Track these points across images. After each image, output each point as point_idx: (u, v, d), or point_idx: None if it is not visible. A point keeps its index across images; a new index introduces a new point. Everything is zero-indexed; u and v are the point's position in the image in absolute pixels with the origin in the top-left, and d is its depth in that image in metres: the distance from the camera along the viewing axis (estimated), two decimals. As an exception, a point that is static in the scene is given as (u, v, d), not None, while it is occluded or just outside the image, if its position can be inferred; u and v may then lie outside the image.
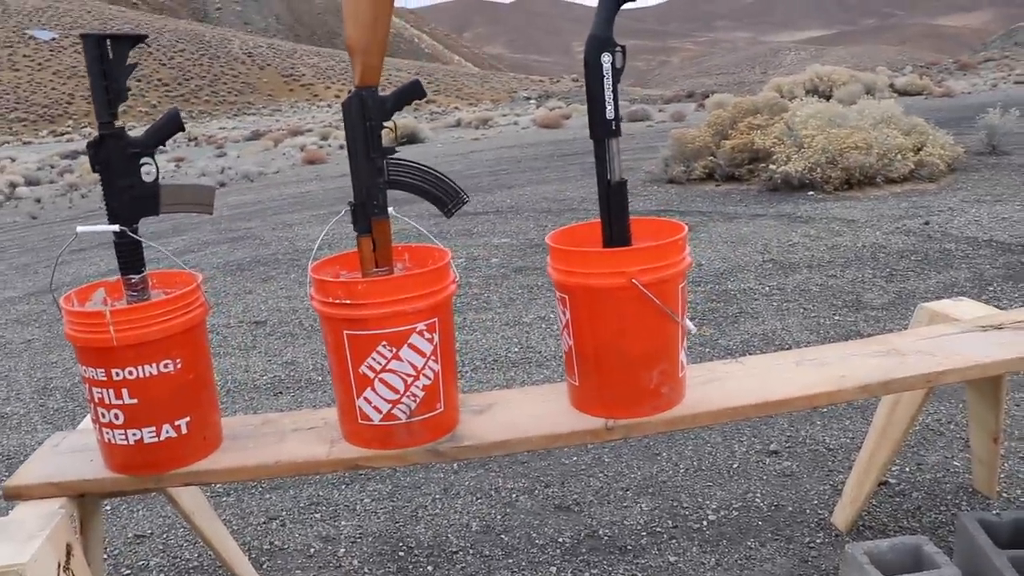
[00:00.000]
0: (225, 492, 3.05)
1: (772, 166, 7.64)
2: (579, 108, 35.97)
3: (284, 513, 2.88)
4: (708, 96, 22.49)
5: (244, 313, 5.39)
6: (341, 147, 24.73)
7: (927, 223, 5.88)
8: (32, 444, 3.76)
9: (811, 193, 7.33)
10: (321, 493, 2.99)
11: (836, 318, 4.19)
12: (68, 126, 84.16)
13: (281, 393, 4.00)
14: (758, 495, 2.65)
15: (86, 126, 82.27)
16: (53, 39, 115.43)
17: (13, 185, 20.28)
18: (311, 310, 5.23)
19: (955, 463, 2.73)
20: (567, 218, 7.43)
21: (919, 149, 7.56)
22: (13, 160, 33.17)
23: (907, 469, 2.72)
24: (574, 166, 11.62)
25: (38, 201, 17.01)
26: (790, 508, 2.55)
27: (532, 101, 68.02)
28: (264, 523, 2.83)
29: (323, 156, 20.38)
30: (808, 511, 2.52)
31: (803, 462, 2.83)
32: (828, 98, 13.59)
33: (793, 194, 7.40)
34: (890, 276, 4.77)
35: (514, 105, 64.32)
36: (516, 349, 4.22)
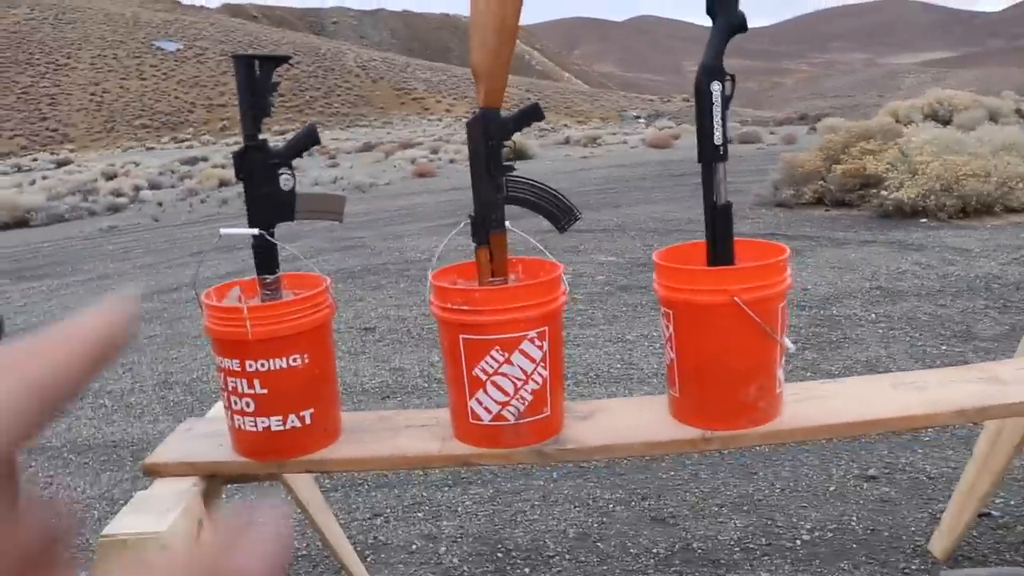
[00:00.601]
0: (333, 488, 3.20)
1: (884, 192, 7.54)
2: (689, 128, 35.75)
3: (388, 511, 3.01)
4: (820, 119, 22.14)
5: (355, 319, 5.58)
6: (451, 161, 25.12)
7: (1045, 255, 5.75)
8: (154, 433, 3.98)
9: (924, 221, 7.21)
10: (424, 494, 3.11)
11: (943, 348, 4.14)
12: (189, 133, 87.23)
13: (388, 397, 4.15)
14: (854, 518, 2.67)
15: (205, 133, 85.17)
16: (178, 50, 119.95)
17: (137, 188, 21.20)
18: (419, 319, 5.41)
19: (1061, 498, 2.70)
20: (674, 238, 7.46)
21: (1041, 178, 7.36)
22: (137, 165, 34.61)
23: (1012, 502, 2.70)
24: (682, 187, 11.62)
25: (160, 204, 17.75)
26: (886, 533, 2.56)
27: (641, 120, 67.83)
28: (369, 519, 2.97)
29: (433, 170, 20.74)
30: (904, 538, 2.53)
31: (902, 489, 2.83)
32: (948, 123, 13.28)
33: (905, 221, 7.29)
34: (1004, 308, 4.68)
35: (623, 124, 64.25)
36: (618, 365, 4.29)
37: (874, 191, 7.81)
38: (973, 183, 7.06)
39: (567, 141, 31.45)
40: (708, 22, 1.63)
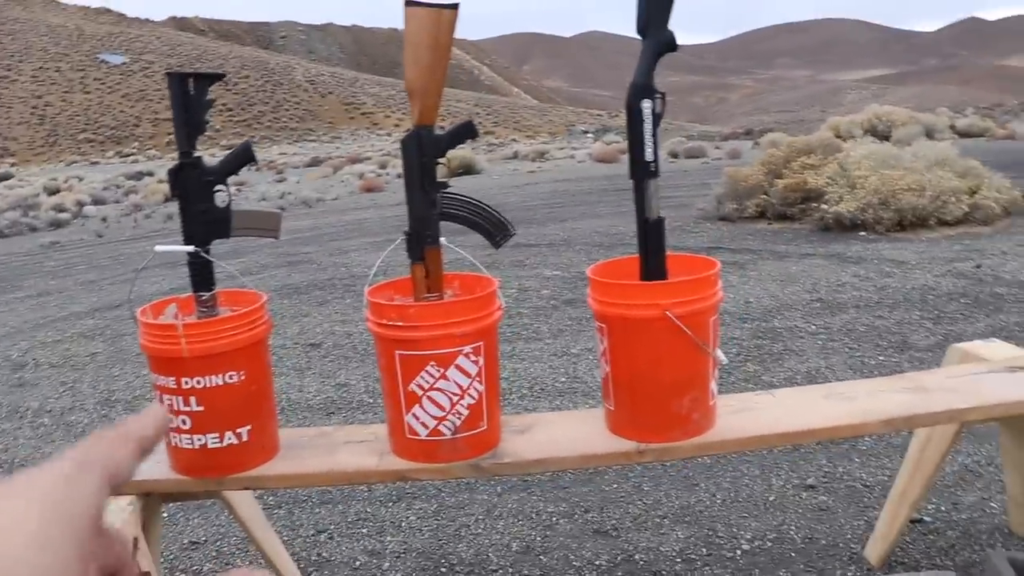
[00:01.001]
0: (277, 504, 3.18)
1: (824, 206, 7.68)
2: (636, 143, 35.99)
3: (332, 527, 3.00)
4: (765, 134, 22.47)
5: (300, 335, 5.55)
6: (399, 176, 25.04)
7: (979, 266, 5.88)
8: (95, 453, 3.92)
9: (863, 233, 7.35)
10: (369, 509, 3.10)
11: (880, 359, 4.22)
12: (134, 147, 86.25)
13: (333, 413, 4.13)
14: (793, 527, 2.71)
15: (151, 148, 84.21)
16: (123, 63, 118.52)
17: (80, 204, 20.88)
18: (365, 334, 5.39)
19: (992, 504, 2.77)
20: (619, 252, 7.53)
21: (974, 192, 7.54)
22: (80, 179, 34.14)
23: (943, 508, 2.76)
24: (628, 201, 11.53)
25: (104, 220, 17.49)
26: (823, 541, 2.61)
27: (589, 135, 68.27)
28: (313, 535, 2.95)
29: (381, 184, 20.70)
30: (841, 545, 2.58)
31: (839, 497, 2.88)
32: (887, 139, 13.56)
33: (844, 234, 7.42)
34: (938, 318, 4.79)
35: (571, 138, 64.65)
36: (563, 379, 4.31)
37: (815, 205, 7.94)
38: (909, 197, 7.22)
39: (515, 156, 31.60)
40: None
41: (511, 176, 20.61)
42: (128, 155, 76.63)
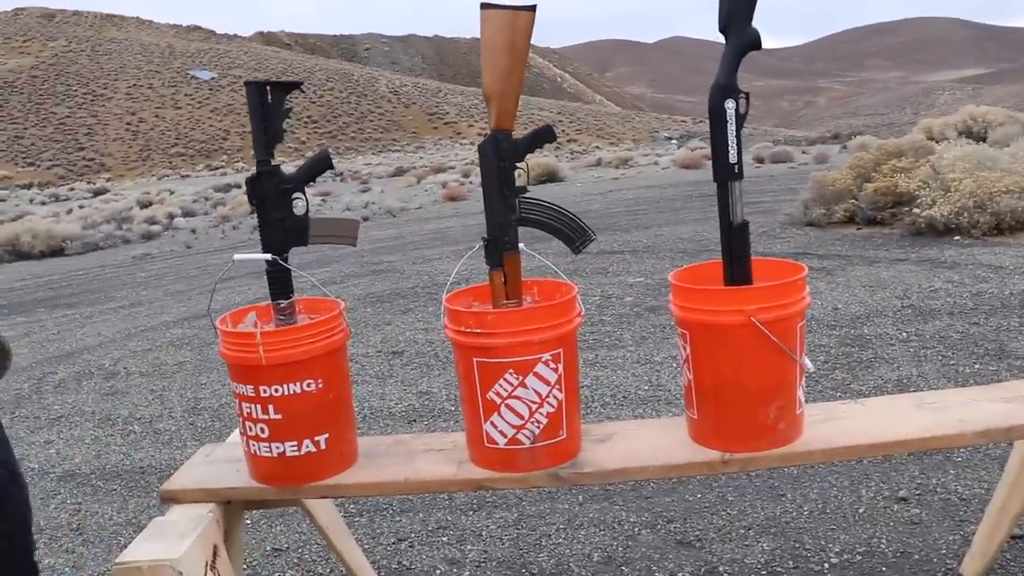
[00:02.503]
0: (358, 512, 3.19)
1: (916, 210, 7.45)
2: (719, 148, 35.58)
3: (413, 535, 2.99)
4: (853, 137, 22.00)
5: (383, 343, 5.58)
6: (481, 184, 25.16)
7: (1081, 271, 5.64)
8: (182, 459, 3.99)
9: (957, 238, 7.11)
10: (449, 518, 3.09)
11: (976, 367, 4.07)
12: (223, 160, 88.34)
13: (415, 421, 4.14)
14: (884, 541, 2.61)
15: (239, 160, 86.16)
16: (212, 79, 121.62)
17: (171, 216, 21.46)
18: (447, 343, 5.39)
19: (1098, 520, 2.64)
20: (703, 258, 7.41)
21: (1078, 194, 7.24)
22: (172, 192, 35.09)
23: (1044, 522, 2.64)
24: (713, 207, 11.45)
25: (193, 231, 17.93)
26: (916, 556, 2.51)
27: (673, 141, 67.79)
28: (394, 544, 2.95)
29: (464, 193, 20.81)
30: (936, 560, 2.48)
31: (933, 511, 2.77)
32: (983, 140, 13.14)
33: (938, 239, 7.19)
34: (1038, 325, 4.61)
35: (655, 145, 64.26)
36: (646, 387, 4.25)
37: (906, 209, 7.72)
38: (1007, 199, 6.96)
39: (599, 163, 31.51)
40: None
41: (594, 183, 20.54)
42: (217, 168, 78.51)
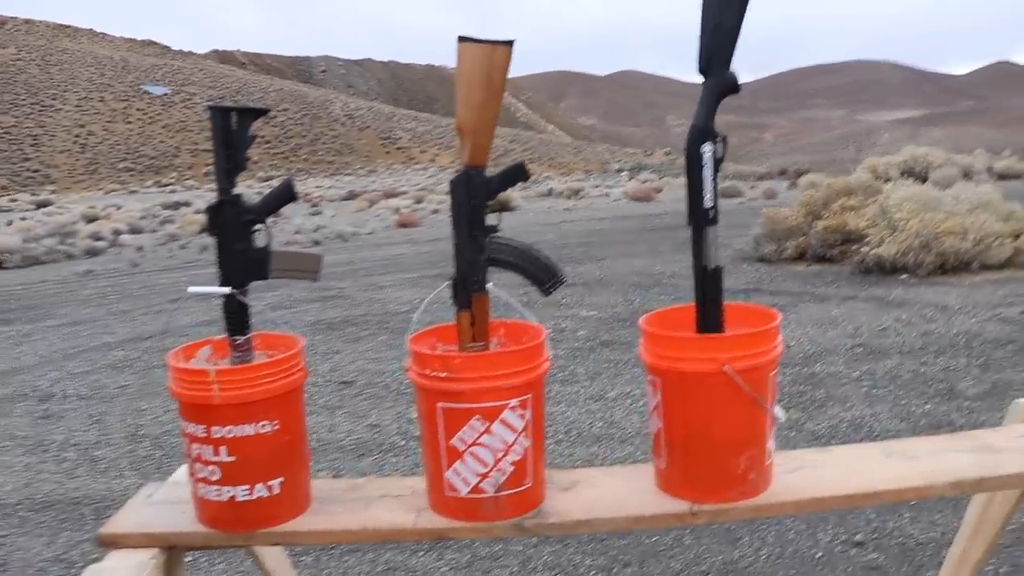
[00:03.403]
0: (304, 551, 3.10)
1: (865, 248, 7.55)
2: (671, 181, 36.01)
3: (362, 576, 2.91)
4: (801, 174, 22.30)
5: (332, 372, 5.48)
6: (435, 211, 25.15)
7: (1025, 313, 5.73)
8: (119, 489, 3.86)
9: (904, 277, 7.22)
10: (399, 558, 3.01)
11: (927, 407, 4.09)
12: (172, 177, 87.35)
13: (364, 455, 4.05)
14: (843, 589, 2.59)
15: (189, 178, 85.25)
16: (165, 95, 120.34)
17: (117, 232, 21.06)
18: (398, 373, 5.32)
19: (1053, 568, 2.64)
20: (655, 292, 7.43)
21: (1018, 236, 7.40)
22: (119, 208, 34.51)
23: (1002, 570, 2.63)
24: (664, 240, 11.62)
25: (139, 249, 17.62)
26: (876, 605, 2.49)
27: (624, 173, 68.32)
28: (342, 584, 2.87)
29: (416, 220, 20.73)
30: (895, 609, 2.46)
31: (890, 555, 2.76)
32: (924, 180, 13.39)
33: (885, 277, 7.29)
34: (985, 365, 4.65)
35: (606, 176, 64.71)
36: (600, 424, 4.21)
37: (855, 247, 7.82)
38: (951, 240, 7.09)
39: (550, 193, 31.59)
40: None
41: (546, 214, 20.58)
42: (166, 185, 77.54)
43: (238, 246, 1.65)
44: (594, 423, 4.22)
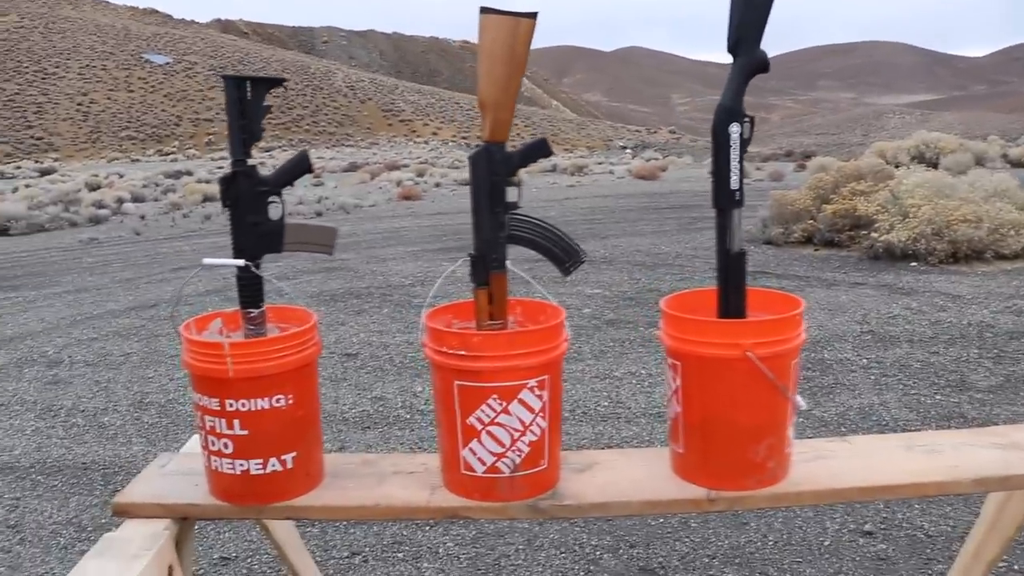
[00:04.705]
0: (310, 523, 3.08)
1: (874, 234, 7.50)
2: (676, 161, 35.86)
3: (367, 549, 2.90)
4: (808, 156, 22.19)
5: (336, 344, 5.47)
6: (437, 185, 25.09)
7: (1036, 303, 5.70)
8: (127, 456, 3.86)
9: (914, 264, 7.17)
10: (404, 533, 3.00)
11: (938, 397, 4.07)
12: (174, 147, 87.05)
13: (369, 428, 4.03)
14: (850, 576, 2.58)
15: (191, 147, 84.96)
16: (167, 63, 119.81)
17: (120, 201, 21.01)
18: (402, 347, 5.30)
19: (1063, 561, 2.62)
20: (661, 272, 7.40)
21: (1035, 225, 7.34)
22: (121, 176, 34.43)
23: (1016, 567, 2.61)
24: (670, 220, 11.58)
25: (142, 218, 17.58)
26: (883, 593, 2.48)
27: (628, 151, 68.10)
28: (347, 558, 2.86)
29: (418, 193, 20.68)
30: (903, 598, 2.45)
31: (899, 547, 2.74)
32: (935, 166, 13.32)
33: (895, 264, 7.25)
34: (998, 358, 4.62)
35: (609, 153, 64.49)
36: (606, 403, 4.19)
37: (864, 232, 7.78)
38: (964, 228, 7.03)
39: (554, 169, 31.46)
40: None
41: (550, 190, 20.50)
42: (168, 154, 77.33)
43: (252, 218, 1.62)
44: (600, 402, 4.21)
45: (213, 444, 1.61)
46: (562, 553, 2.80)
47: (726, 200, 1.55)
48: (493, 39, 1.50)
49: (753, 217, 9.09)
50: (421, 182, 26.39)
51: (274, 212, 1.65)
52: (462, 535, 2.96)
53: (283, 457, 1.61)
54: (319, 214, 16.28)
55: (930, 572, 2.56)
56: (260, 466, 1.59)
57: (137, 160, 69.39)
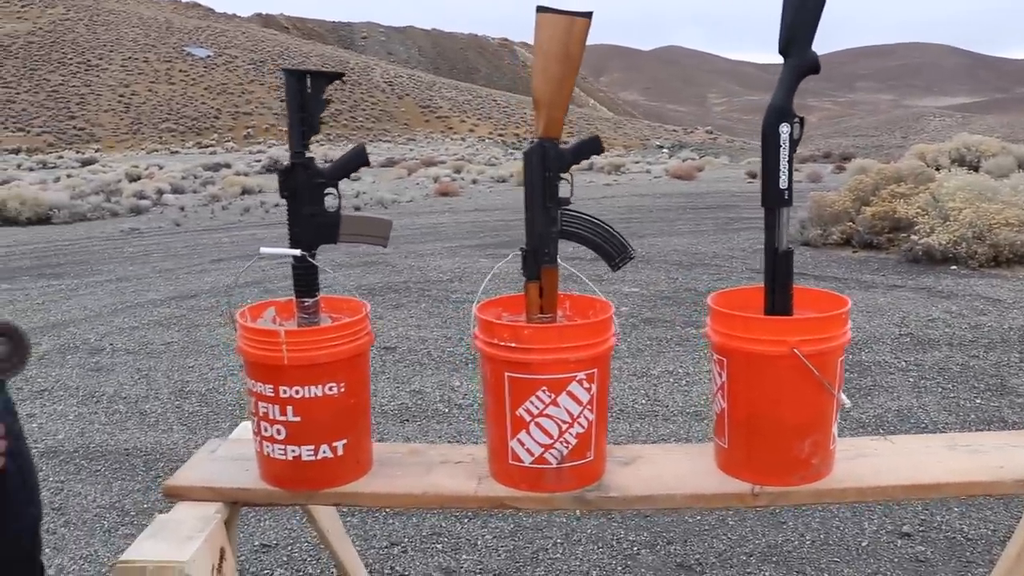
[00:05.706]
0: (350, 513, 3.13)
1: (914, 237, 7.45)
2: (713, 161, 35.70)
3: (406, 540, 2.94)
4: (847, 158, 22.01)
5: (375, 337, 5.51)
6: (474, 182, 25.14)
7: (1078, 310, 5.64)
8: (168, 444, 3.92)
9: (953, 268, 7.11)
10: (443, 524, 3.04)
11: (978, 401, 4.04)
12: (213, 139, 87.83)
13: (408, 421, 4.08)
14: (888, 577, 2.58)
15: (229, 140, 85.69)
16: (208, 57, 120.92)
17: (160, 192, 21.26)
18: (439, 341, 5.35)
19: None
20: (698, 272, 7.39)
21: (1077, 230, 7.25)
22: (161, 168, 34.79)
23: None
24: (707, 220, 11.55)
25: (182, 209, 17.79)
26: (922, 595, 2.48)
27: (664, 150, 67.87)
28: (386, 548, 2.89)
29: (456, 189, 20.74)
30: (942, 600, 2.45)
31: (938, 549, 2.74)
32: (976, 169, 13.17)
33: (934, 267, 7.19)
34: (1039, 363, 4.58)
35: (646, 153, 64.28)
36: (643, 401, 4.21)
37: (903, 235, 7.72)
38: (1006, 232, 6.96)
39: (591, 167, 31.41)
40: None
41: (587, 188, 20.48)
42: (207, 146, 78.02)
43: (308, 209, 1.66)
44: (637, 399, 4.22)
45: (266, 430, 1.65)
46: (600, 548, 2.82)
47: (775, 199, 1.57)
48: (549, 37, 1.53)
49: (791, 218, 9.05)
50: (458, 178, 26.46)
51: (330, 204, 1.69)
52: (500, 528, 2.99)
53: (334, 444, 1.64)
54: (357, 208, 16.38)
55: (969, 575, 2.56)
56: (311, 452, 1.63)
57: (176, 152, 70.10)
